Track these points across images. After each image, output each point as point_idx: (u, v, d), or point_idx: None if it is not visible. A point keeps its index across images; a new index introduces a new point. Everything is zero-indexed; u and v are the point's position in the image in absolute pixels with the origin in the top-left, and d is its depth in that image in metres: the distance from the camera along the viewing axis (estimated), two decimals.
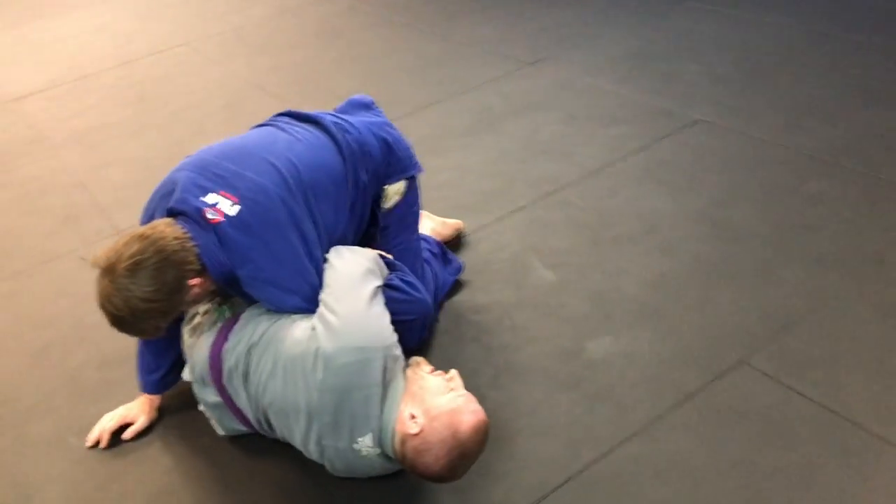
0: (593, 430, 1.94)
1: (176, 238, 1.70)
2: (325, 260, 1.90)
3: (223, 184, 1.82)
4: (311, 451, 1.79)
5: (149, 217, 1.92)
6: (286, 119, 2.14)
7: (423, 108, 3.58)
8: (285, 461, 1.95)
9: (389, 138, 2.15)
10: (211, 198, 1.79)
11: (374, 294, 1.82)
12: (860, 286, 2.26)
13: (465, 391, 1.75)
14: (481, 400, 1.76)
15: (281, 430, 1.84)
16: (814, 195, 2.67)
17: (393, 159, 2.14)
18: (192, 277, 1.73)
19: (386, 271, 2.01)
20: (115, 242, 1.70)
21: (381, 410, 1.69)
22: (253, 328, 1.83)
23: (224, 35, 4.86)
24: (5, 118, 4.13)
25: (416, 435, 1.64)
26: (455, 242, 2.64)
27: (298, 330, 1.77)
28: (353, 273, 1.84)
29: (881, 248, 2.40)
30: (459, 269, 2.46)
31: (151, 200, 1.94)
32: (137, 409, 2.12)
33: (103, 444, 2.08)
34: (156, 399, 2.15)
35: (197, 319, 1.94)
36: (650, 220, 2.64)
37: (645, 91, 3.47)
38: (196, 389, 1.97)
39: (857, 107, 3.17)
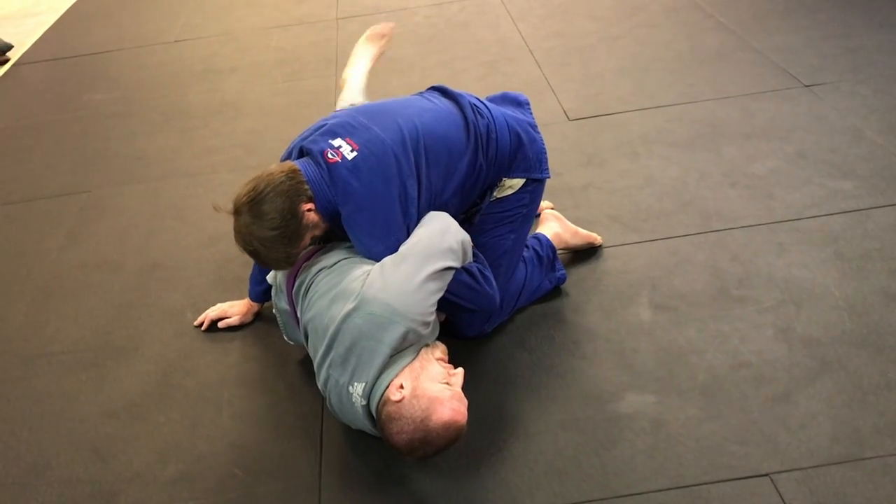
0: (579, 478, 1.85)
1: (282, 172, 1.97)
2: (419, 219, 2.05)
3: (351, 133, 2.04)
4: (321, 377, 1.95)
5: (289, 151, 2.19)
6: (435, 93, 2.30)
7: (654, 108, 3.40)
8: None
9: (524, 136, 2.24)
10: (337, 142, 2.03)
11: (440, 272, 1.93)
12: None
13: (458, 390, 1.81)
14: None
15: (311, 347, 2.02)
16: None
17: (520, 156, 2.23)
18: (304, 202, 1.96)
19: (470, 258, 2.08)
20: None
21: (381, 370, 1.81)
22: (331, 256, 2.05)
23: None
24: (326, 34, 4.71)
25: (395, 402, 1.77)
26: (585, 254, 2.56)
27: (359, 270, 1.95)
28: (434, 244, 1.96)
29: None
30: (560, 280, 2.41)
31: (299, 138, 2.21)
32: (237, 308, 2.48)
33: (204, 326, 2.47)
34: (255, 306, 2.48)
35: None
36: (795, 294, 2.31)
37: None
38: (273, 294, 2.23)
39: None
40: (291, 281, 2.09)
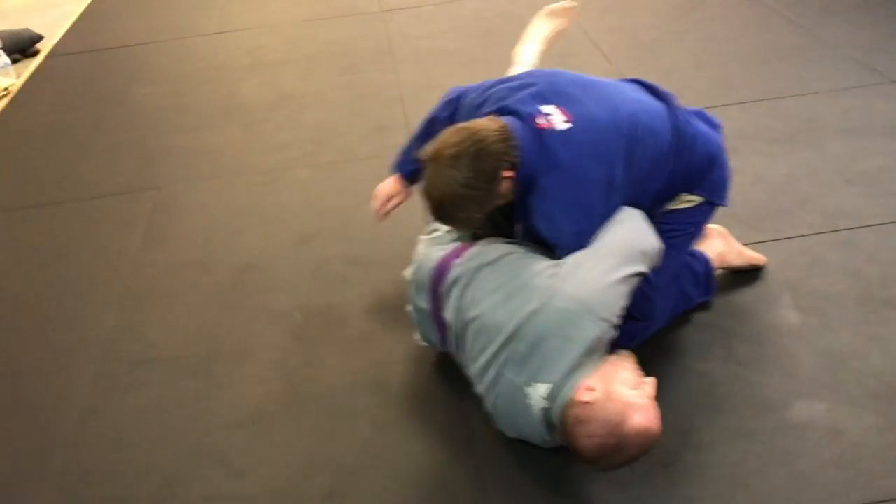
0: (757, 494, 1.75)
1: (494, 130, 1.80)
2: (617, 211, 1.93)
3: (564, 102, 1.89)
4: (486, 379, 1.82)
5: (474, 104, 2.04)
6: (637, 86, 2.15)
7: (743, 103, 3.31)
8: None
9: (718, 157, 2.12)
10: (548, 108, 1.88)
11: (632, 276, 1.83)
12: None
13: (653, 400, 1.69)
14: None
15: (470, 348, 1.87)
16: None
17: (708, 177, 2.11)
18: (506, 169, 1.81)
19: (657, 264, 1.97)
20: (440, 135, 1.83)
21: (570, 370, 1.69)
22: (490, 251, 1.91)
23: None
24: (372, 26, 4.57)
25: (584, 403, 1.63)
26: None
27: (539, 264, 1.82)
28: (632, 245, 1.86)
29: None
30: (711, 293, 2.28)
31: (493, 85, 2.04)
32: (393, 188, 2.34)
33: (387, 208, 2.36)
34: (405, 185, 2.33)
35: (438, 233, 2.06)
36: None
37: None
38: (411, 291, 2.07)
39: None
40: (438, 279, 1.96)
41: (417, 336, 2.13)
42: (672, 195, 2.08)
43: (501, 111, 1.92)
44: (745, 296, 2.30)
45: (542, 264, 1.83)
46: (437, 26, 4.47)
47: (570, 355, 1.69)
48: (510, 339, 1.75)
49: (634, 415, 1.61)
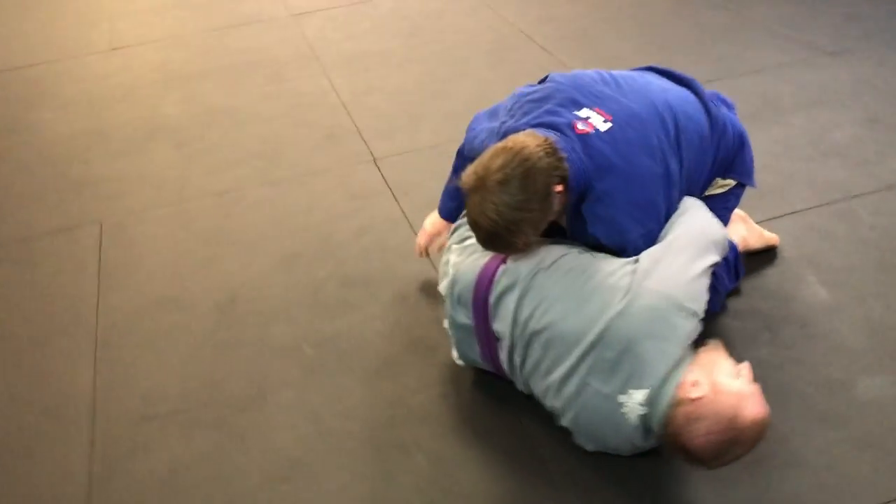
0: (853, 479, 1.70)
1: (538, 146, 1.66)
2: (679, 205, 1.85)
3: (598, 103, 1.81)
4: (566, 393, 1.68)
5: (506, 112, 1.92)
6: (656, 74, 2.06)
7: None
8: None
9: (745, 139, 2.07)
10: (584, 112, 1.79)
11: (710, 267, 1.73)
12: None
13: (755, 385, 1.60)
14: None
15: (538, 361, 1.73)
16: None
17: (739, 159, 2.06)
18: (557, 183, 1.68)
19: (725, 253, 1.87)
20: (479, 160, 1.69)
21: (669, 371, 1.57)
22: (543, 255, 1.77)
23: None
24: (286, 31, 4.32)
25: (694, 400, 1.52)
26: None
27: (610, 264, 1.71)
28: (704, 236, 1.77)
29: None
30: (740, 278, 2.22)
31: (516, 103, 1.92)
32: (438, 228, 2.25)
33: (432, 249, 2.33)
34: (448, 224, 2.22)
35: (470, 241, 1.90)
36: None
37: None
38: (448, 306, 1.90)
39: None
40: (483, 290, 1.81)
41: (455, 354, 1.97)
42: (711, 181, 2.02)
43: (536, 126, 1.79)
44: (770, 277, 2.27)
45: (612, 264, 1.71)
46: (356, 28, 4.28)
47: (667, 356, 1.58)
48: (593, 347, 1.63)
49: (747, 405, 1.52)
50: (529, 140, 1.68)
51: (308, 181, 2.96)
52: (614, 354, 1.60)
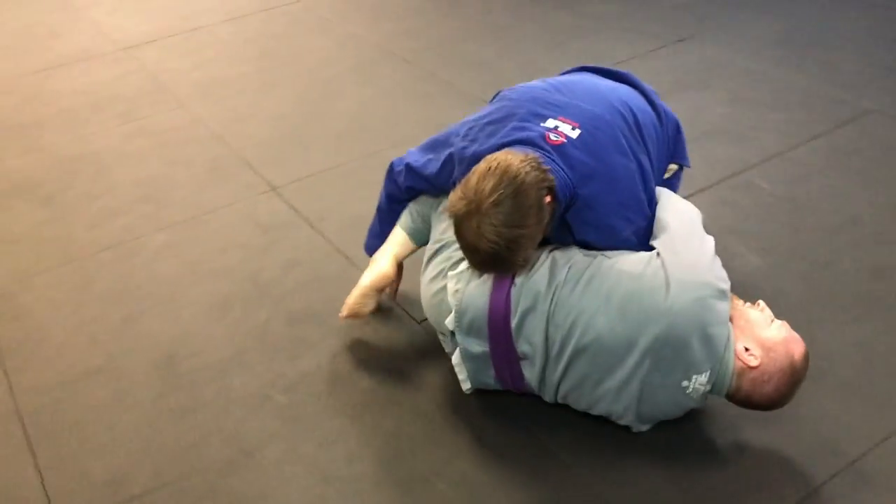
0: (849, 425, 1.84)
1: (522, 161, 1.66)
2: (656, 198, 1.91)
3: (560, 111, 1.83)
4: (627, 395, 1.71)
5: (469, 141, 1.89)
6: (591, 73, 2.10)
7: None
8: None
9: (679, 123, 2.14)
10: (551, 122, 1.81)
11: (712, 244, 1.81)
12: None
13: (781, 320, 1.74)
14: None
15: (587, 374, 1.73)
16: None
17: (679, 144, 2.14)
18: (547, 195, 1.68)
19: None
20: (463, 185, 1.67)
21: (725, 348, 1.66)
22: (550, 268, 1.76)
23: None
24: (122, 66, 4.02)
25: (754, 367, 1.67)
26: None
27: (631, 265, 1.73)
28: (691, 217, 1.85)
29: None
30: None
31: (472, 128, 1.90)
32: (386, 274, 2.09)
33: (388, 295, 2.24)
34: (391, 264, 2.13)
35: (463, 265, 1.84)
36: (850, 210, 2.53)
37: (807, 76, 3.35)
38: (459, 338, 1.83)
39: None
40: (500, 314, 1.76)
41: (467, 385, 1.91)
42: (665, 169, 2.10)
43: (507, 145, 1.79)
44: None
45: (632, 264, 1.73)
46: (201, 56, 4.06)
47: (720, 339, 1.66)
48: (650, 351, 1.66)
49: (794, 347, 1.68)
50: (512, 158, 1.67)
51: (209, 220, 2.77)
52: (672, 351, 1.65)
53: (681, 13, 4.03)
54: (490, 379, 1.86)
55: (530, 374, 1.80)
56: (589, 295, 1.71)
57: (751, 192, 2.65)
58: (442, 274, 1.88)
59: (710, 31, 3.82)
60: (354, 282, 2.16)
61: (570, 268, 1.76)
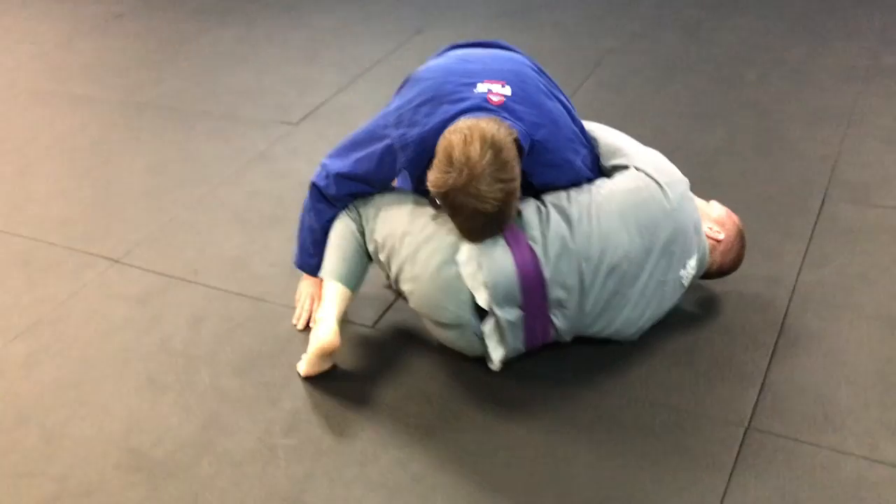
0: (769, 259, 2.23)
1: (488, 122, 1.79)
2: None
3: (483, 76, 1.93)
4: (642, 302, 1.91)
5: (407, 126, 1.94)
6: (469, 48, 2.17)
7: (339, 91, 3.56)
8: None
9: None
10: (482, 87, 1.90)
11: None
12: None
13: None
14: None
15: (612, 294, 1.88)
16: None
17: None
18: (518, 148, 1.82)
19: None
20: (443, 162, 1.74)
21: (702, 233, 2.00)
22: (560, 213, 1.90)
23: None
24: None
25: (720, 241, 2.04)
26: None
27: (626, 183, 1.94)
28: (627, 137, 2.11)
29: None
30: None
31: (402, 115, 1.95)
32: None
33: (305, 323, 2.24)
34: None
35: (465, 249, 1.87)
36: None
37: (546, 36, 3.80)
38: (498, 312, 1.86)
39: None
40: (531, 270, 1.85)
41: (499, 360, 1.94)
42: None
43: (455, 117, 1.87)
44: None
45: (626, 182, 1.94)
46: None
47: (700, 224, 1.99)
48: (664, 251, 1.90)
49: (734, 217, 2.09)
50: (480, 122, 1.79)
51: (62, 315, 2.44)
52: (678, 246, 1.91)
53: (406, 8, 4.30)
54: (519, 343, 1.94)
55: (561, 319, 1.92)
56: (605, 220, 1.88)
57: None
58: (446, 263, 1.88)
59: (437, 19, 4.13)
60: (275, 313, 2.26)
61: (577, 206, 1.91)
